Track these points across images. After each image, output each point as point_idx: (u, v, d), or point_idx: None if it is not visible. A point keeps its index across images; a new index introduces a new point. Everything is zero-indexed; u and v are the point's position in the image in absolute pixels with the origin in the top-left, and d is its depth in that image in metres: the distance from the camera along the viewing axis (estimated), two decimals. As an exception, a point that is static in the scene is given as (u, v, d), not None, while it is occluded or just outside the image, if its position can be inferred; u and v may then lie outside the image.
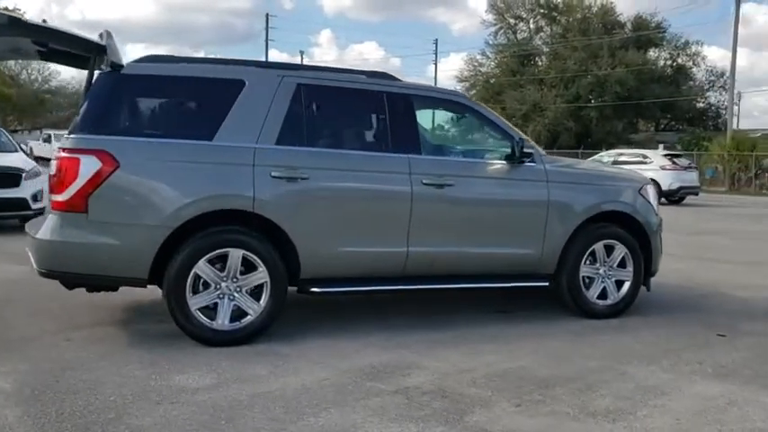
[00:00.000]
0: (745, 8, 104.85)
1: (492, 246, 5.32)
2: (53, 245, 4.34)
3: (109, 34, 4.48)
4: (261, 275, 4.64)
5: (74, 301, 5.62)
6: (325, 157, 4.87)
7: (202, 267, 4.52)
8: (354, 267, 4.96)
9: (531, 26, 50.79)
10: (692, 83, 50.22)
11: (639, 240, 5.80)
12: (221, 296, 4.59)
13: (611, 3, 48.27)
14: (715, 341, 5.16)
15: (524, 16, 50.22)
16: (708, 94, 51.16)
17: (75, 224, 4.33)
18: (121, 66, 4.52)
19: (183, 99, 4.78)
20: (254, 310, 4.64)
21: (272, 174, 4.64)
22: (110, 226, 4.36)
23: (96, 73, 4.67)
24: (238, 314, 4.63)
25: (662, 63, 50.01)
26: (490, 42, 51.63)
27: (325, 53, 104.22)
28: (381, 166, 4.98)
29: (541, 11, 49.39)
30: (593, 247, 5.63)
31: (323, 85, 4.99)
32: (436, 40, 61.24)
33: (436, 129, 5.37)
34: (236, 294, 4.62)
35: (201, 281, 4.55)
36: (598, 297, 5.70)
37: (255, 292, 4.67)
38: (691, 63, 50.32)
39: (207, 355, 4.40)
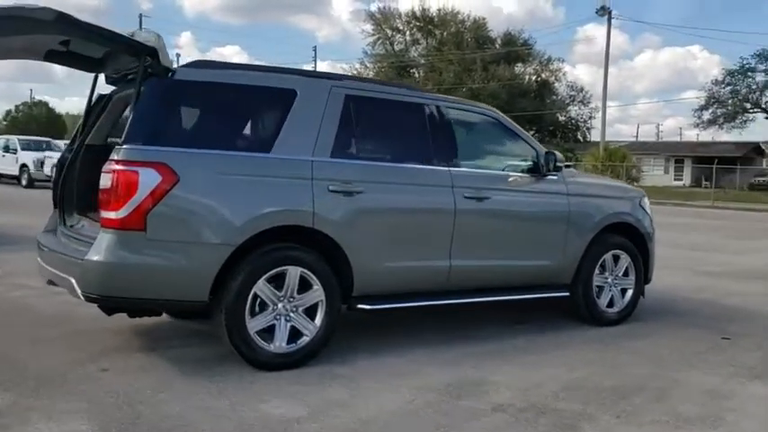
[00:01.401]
0: (588, 27, 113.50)
1: (523, 258, 5.42)
2: (108, 267, 3.90)
3: (159, 36, 4.11)
4: (317, 294, 4.43)
5: (72, 326, 5.15)
6: (379, 170, 4.74)
7: (262, 287, 4.26)
8: (403, 283, 4.87)
9: (408, 38, 52.04)
10: (555, 97, 53.43)
11: (639, 250, 6.10)
12: (278, 317, 4.35)
13: (484, 19, 50.51)
14: (724, 344, 5.50)
15: (401, 28, 51.37)
16: (569, 108, 54.61)
17: (132, 244, 3.92)
18: (171, 71, 4.17)
19: (239, 108, 4.46)
20: (309, 330, 4.42)
21: (330, 188, 4.46)
22: (169, 245, 3.99)
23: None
24: (293, 335, 4.40)
25: (527, 78, 52.85)
26: (368, 52, 52.35)
27: (186, 56, 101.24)
28: (428, 179, 4.92)
29: (417, 23, 50.72)
30: (604, 257, 5.86)
31: (369, 97, 4.86)
32: (315, 46, 61.22)
33: (466, 141, 5.37)
34: (291, 314, 4.39)
35: (258, 302, 4.28)
36: (607, 305, 5.93)
37: (310, 312, 4.46)
38: (553, 78, 53.56)
39: (272, 380, 4.14)
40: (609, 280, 5.94)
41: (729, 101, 49.31)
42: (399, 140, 5.07)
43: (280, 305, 4.34)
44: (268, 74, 4.59)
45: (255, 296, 4.24)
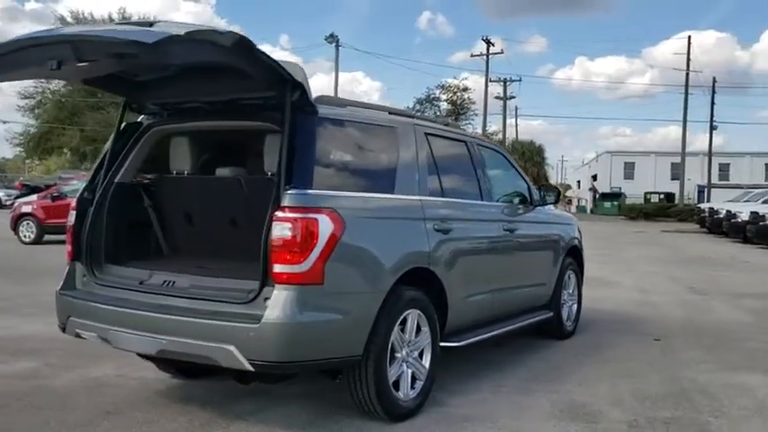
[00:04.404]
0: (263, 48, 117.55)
1: (535, 281, 5.88)
2: (295, 329, 3.39)
3: (301, 68, 3.65)
4: (426, 335, 4.33)
5: (60, 405, 4.31)
6: (461, 207, 4.80)
7: (396, 334, 4.04)
8: (475, 316, 4.96)
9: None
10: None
11: (579, 269, 6.92)
12: (401, 363, 4.15)
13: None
14: (666, 345, 6.50)
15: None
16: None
17: (314, 299, 3.47)
18: (314, 107, 3.76)
19: (367, 147, 4.16)
20: (422, 373, 4.30)
21: (435, 227, 4.40)
22: (340, 297, 3.61)
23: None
24: (412, 380, 4.24)
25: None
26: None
27: None
28: (487, 213, 5.13)
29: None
30: (564, 276, 6.53)
31: (437, 134, 4.89)
32: None
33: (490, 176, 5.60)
34: (410, 359, 4.22)
35: (390, 349, 4.04)
36: (566, 320, 6.62)
37: (420, 354, 4.33)
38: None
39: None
40: (565, 297, 6.63)
41: (417, 125, 55.20)
42: (464, 176, 5.16)
43: (403, 351, 4.15)
44: (378, 112, 4.40)
45: (392, 344, 4.01)
